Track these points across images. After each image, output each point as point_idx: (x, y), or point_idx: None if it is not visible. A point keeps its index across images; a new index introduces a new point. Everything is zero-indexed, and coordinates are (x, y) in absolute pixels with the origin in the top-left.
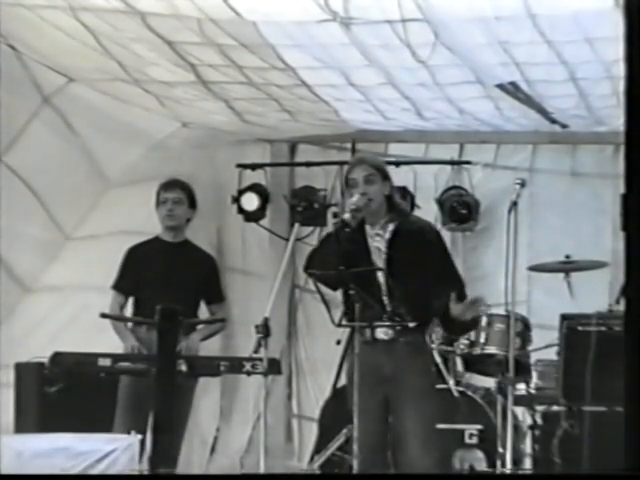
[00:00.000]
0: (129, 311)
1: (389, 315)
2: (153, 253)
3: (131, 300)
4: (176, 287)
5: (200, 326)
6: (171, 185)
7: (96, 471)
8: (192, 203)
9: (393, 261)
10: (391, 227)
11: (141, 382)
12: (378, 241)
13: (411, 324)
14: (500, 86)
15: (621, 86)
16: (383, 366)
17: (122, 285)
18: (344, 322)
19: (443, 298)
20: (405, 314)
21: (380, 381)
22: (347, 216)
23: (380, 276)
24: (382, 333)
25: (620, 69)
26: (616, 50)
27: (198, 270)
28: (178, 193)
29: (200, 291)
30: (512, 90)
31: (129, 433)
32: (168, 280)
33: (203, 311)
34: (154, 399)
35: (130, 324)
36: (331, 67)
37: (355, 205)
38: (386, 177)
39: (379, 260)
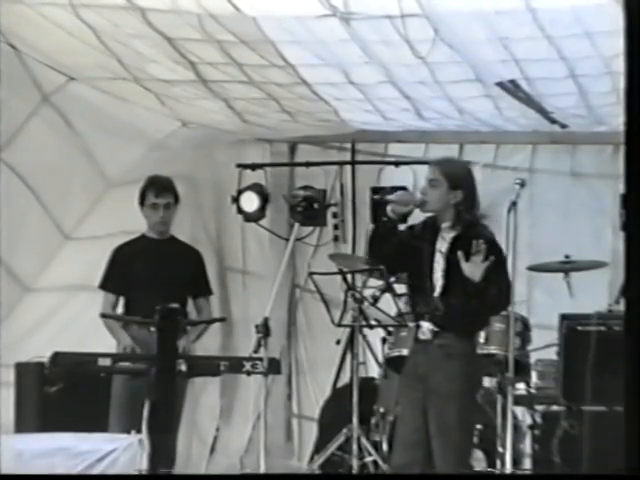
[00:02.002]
0: (119, 309)
1: (433, 315)
2: (140, 251)
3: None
4: (165, 284)
5: (189, 327)
6: (162, 191)
7: (96, 471)
8: (177, 200)
9: (449, 265)
10: (453, 233)
11: (135, 381)
12: (441, 243)
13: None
14: (500, 84)
15: (621, 82)
16: (419, 366)
17: (109, 284)
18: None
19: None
20: (443, 317)
21: (417, 380)
22: (389, 208)
23: (438, 277)
24: (422, 333)
25: (620, 64)
26: (616, 45)
27: (185, 266)
28: (168, 198)
29: (187, 286)
30: (512, 89)
31: (128, 432)
32: (157, 277)
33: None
34: (154, 399)
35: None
36: (331, 64)
37: (394, 197)
38: (457, 187)
39: (440, 260)
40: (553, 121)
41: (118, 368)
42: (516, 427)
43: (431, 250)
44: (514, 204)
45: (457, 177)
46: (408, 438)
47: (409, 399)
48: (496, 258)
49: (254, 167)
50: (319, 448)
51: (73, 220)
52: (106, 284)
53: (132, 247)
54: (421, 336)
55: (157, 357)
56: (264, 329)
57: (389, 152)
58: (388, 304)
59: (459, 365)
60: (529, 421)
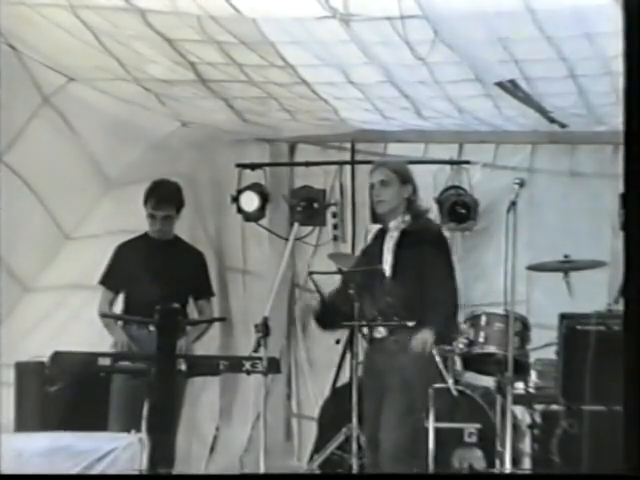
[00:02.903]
0: (119, 307)
1: (385, 314)
2: (142, 250)
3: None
4: (166, 283)
5: (189, 327)
6: (161, 203)
7: (96, 470)
8: (180, 209)
9: (397, 261)
10: (401, 228)
11: (134, 380)
12: (389, 241)
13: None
14: (499, 84)
15: (621, 82)
16: (376, 364)
17: (109, 281)
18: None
19: (438, 307)
20: (399, 313)
21: (375, 378)
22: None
23: (386, 276)
24: (377, 332)
25: (620, 65)
26: (616, 45)
27: (187, 266)
28: (167, 210)
29: (190, 287)
30: (511, 88)
31: (128, 432)
32: (158, 277)
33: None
34: (153, 398)
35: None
36: (330, 65)
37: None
38: (406, 181)
39: (388, 258)
40: (552, 120)
41: (118, 367)
42: (515, 426)
43: (380, 249)
44: (513, 204)
45: (404, 173)
46: (376, 437)
47: (370, 400)
48: (443, 248)
49: (254, 167)
50: (319, 447)
51: (73, 220)
52: (106, 280)
53: (135, 245)
54: (377, 335)
55: (157, 357)
56: (264, 328)
57: (388, 152)
58: None
59: (414, 358)
60: (528, 420)
